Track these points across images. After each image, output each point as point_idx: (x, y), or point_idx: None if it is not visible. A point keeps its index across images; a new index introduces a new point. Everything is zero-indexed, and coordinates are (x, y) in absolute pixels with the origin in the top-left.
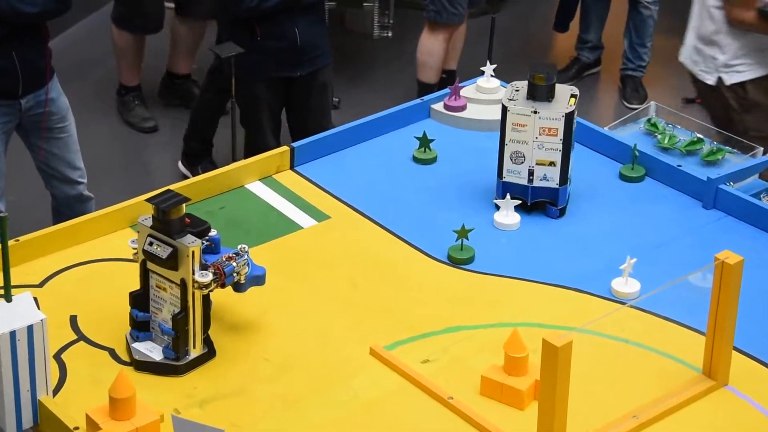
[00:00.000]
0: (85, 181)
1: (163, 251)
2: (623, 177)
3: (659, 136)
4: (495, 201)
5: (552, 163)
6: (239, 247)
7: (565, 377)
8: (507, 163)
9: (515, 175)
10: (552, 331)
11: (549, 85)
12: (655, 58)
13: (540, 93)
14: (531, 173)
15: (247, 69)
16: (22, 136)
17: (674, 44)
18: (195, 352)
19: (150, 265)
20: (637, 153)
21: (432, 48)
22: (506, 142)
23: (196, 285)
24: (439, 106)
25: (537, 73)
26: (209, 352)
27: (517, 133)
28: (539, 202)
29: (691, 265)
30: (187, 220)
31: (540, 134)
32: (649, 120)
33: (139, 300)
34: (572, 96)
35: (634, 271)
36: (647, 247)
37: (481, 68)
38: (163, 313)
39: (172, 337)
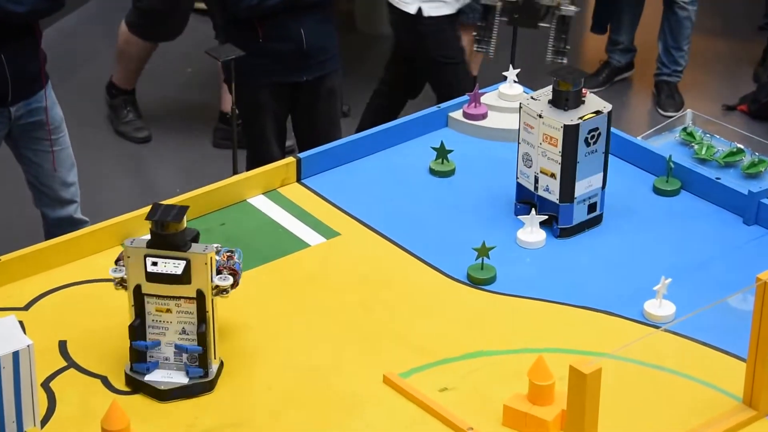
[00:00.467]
0: (78, 200)
1: (175, 268)
2: (657, 190)
3: (696, 147)
4: (519, 217)
5: (552, 175)
6: (214, 246)
7: (594, 407)
8: (519, 163)
9: (525, 178)
10: (580, 357)
11: (570, 92)
12: (692, 62)
13: (559, 99)
14: (536, 180)
15: (249, 73)
16: (12, 146)
17: (713, 46)
18: (215, 363)
19: (147, 289)
20: (672, 165)
21: None
22: (519, 141)
23: (216, 291)
24: (457, 114)
25: (562, 78)
26: (221, 362)
27: (527, 134)
28: (549, 217)
29: (731, 286)
30: None
31: (543, 141)
32: (684, 129)
33: (140, 331)
34: (595, 112)
35: (669, 292)
36: (683, 267)
37: (504, 73)
38: (169, 335)
39: (198, 353)
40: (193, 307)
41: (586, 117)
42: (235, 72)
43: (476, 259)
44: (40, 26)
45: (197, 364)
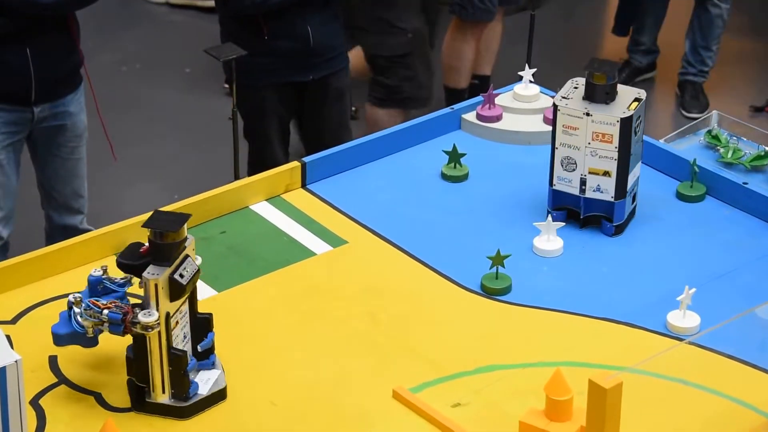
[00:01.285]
0: (85, 212)
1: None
2: (681, 196)
3: (721, 150)
4: (535, 224)
5: (606, 173)
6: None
7: (615, 423)
8: (558, 169)
9: (566, 183)
10: (599, 371)
11: (609, 85)
12: (718, 61)
13: (597, 93)
14: (583, 183)
15: (252, 73)
16: (29, 146)
17: (740, 45)
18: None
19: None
20: (697, 169)
21: (460, 50)
22: (557, 146)
23: None
24: (471, 116)
25: (596, 71)
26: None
27: (568, 137)
28: (593, 218)
29: (758, 296)
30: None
31: (593, 140)
32: (709, 132)
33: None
34: (636, 100)
35: (693, 303)
36: (708, 276)
37: (519, 73)
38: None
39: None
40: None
41: (631, 106)
42: (237, 72)
43: (491, 268)
44: (79, 23)
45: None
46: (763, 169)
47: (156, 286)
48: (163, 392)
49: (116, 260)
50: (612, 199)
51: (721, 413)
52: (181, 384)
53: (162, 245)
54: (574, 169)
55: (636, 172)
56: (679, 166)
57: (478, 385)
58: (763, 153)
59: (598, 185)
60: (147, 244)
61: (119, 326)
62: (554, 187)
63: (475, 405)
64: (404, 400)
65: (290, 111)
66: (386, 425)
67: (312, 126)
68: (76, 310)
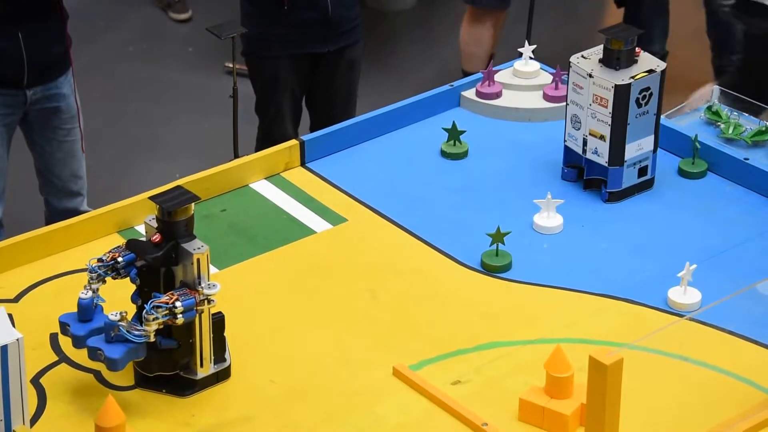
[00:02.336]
0: (85, 193)
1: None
2: (682, 172)
3: (722, 126)
4: (535, 201)
5: (602, 137)
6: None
7: (615, 400)
8: (568, 125)
9: (573, 141)
10: (600, 348)
11: (626, 51)
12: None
13: (609, 58)
14: (585, 143)
15: (268, 45)
16: (24, 131)
17: None
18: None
19: None
20: (698, 145)
21: (478, 36)
22: (568, 102)
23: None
24: (470, 93)
25: (613, 36)
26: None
27: (576, 95)
28: (596, 181)
29: (760, 273)
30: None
31: (593, 101)
32: (710, 107)
33: None
34: (648, 71)
35: (694, 279)
36: (709, 252)
37: (519, 49)
38: None
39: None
40: None
41: (638, 76)
42: (253, 44)
43: (491, 245)
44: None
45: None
46: (764, 144)
47: (206, 258)
48: (210, 362)
49: (144, 262)
50: (606, 164)
51: (721, 389)
52: (222, 347)
53: (188, 220)
54: (579, 128)
55: (644, 145)
56: (680, 143)
57: (478, 362)
58: (764, 128)
59: (596, 148)
60: (154, 234)
61: (193, 310)
62: (566, 144)
63: (475, 382)
64: (404, 377)
65: (303, 85)
66: (386, 403)
67: (322, 97)
68: (125, 324)
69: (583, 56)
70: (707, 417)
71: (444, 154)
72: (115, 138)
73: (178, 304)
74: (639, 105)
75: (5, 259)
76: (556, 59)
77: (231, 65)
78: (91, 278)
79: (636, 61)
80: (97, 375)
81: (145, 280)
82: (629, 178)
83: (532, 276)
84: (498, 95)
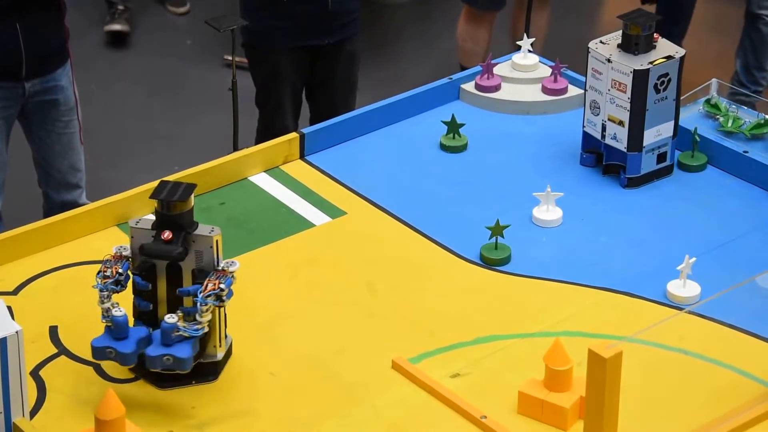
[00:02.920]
0: (83, 186)
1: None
2: (682, 166)
3: (721, 119)
4: (534, 194)
5: (621, 123)
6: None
7: (614, 393)
8: (587, 111)
9: (592, 126)
10: (599, 341)
11: (644, 36)
12: (716, 27)
13: (627, 43)
14: (603, 128)
15: (268, 37)
16: (23, 124)
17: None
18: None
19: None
20: (698, 138)
21: (474, 33)
22: (587, 88)
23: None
24: (469, 86)
25: (631, 21)
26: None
27: (595, 81)
28: (614, 167)
29: (759, 266)
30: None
31: (611, 87)
32: (708, 101)
33: None
34: (667, 57)
35: (694, 272)
36: (708, 246)
37: (518, 42)
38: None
39: None
40: None
41: (656, 62)
42: (253, 36)
43: (490, 238)
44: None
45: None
46: (763, 137)
47: (221, 238)
48: (225, 339)
49: (166, 255)
50: (625, 150)
51: (720, 382)
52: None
53: (192, 209)
54: (598, 114)
55: (662, 131)
56: (679, 136)
57: (477, 355)
58: (762, 121)
59: (615, 133)
60: (164, 232)
61: (231, 290)
62: (585, 129)
63: (474, 375)
64: (403, 370)
65: (303, 78)
66: (385, 396)
67: (322, 89)
68: (183, 324)
69: (601, 42)
70: (706, 410)
71: (443, 147)
72: (114, 130)
73: (222, 286)
74: (657, 91)
75: (4, 252)
76: (555, 52)
77: (230, 58)
78: (103, 297)
79: (654, 47)
80: (97, 368)
81: (172, 279)
82: (648, 163)
83: (531, 269)
84: (497, 88)
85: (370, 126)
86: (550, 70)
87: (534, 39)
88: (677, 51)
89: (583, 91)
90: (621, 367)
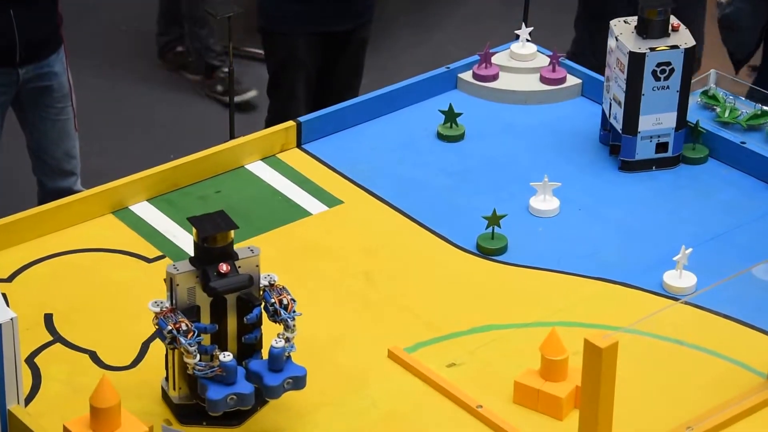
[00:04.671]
0: (78, 173)
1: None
2: (682, 158)
3: (718, 110)
4: (532, 184)
5: (619, 103)
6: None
7: (610, 383)
8: (604, 88)
9: (606, 104)
10: (595, 331)
11: (658, 21)
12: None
13: (643, 27)
14: (610, 106)
15: (285, 22)
16: (17, 111)
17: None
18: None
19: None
20: (702, 130)
21: None
22: (606, 65)
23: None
24: (467, 76)
25: (648, 6)
26: None
27: (610, 57)
28: (618, 148)
29: (755, 256)
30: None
31: (616, 66)
32: (705, 92)
33: None
34: (672, 45)
35: (690, 263)
36: (704, 236)
37: (516, 32)
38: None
39: None
40: None
41: (658, 48)
42: (269, 21)
43: (486, 228)
44: None
45: None
46: (760, 128)
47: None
48: None
49: (240, 286)
50: (620, 131)
51: (716, 373)
52: None
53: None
54: (609, 91)
55: (663, 120)
56: None
57: (473, 345)
58: (759, 112)
59: (615, 113)
60: (221, 265)
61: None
62: (602, 106)
63: (470, 365)
64: (399, 359)
65: (317, 64)
66: (381, 385)
67: (330, 75)
68: (286, 344)
69: (625, 21)
70: (701, 400)
71: (440, 136)
72: (109, 117)
73: (289, 297)
74: (657, 78)
75: None
76: (553, 41)
77: (227, 45)
78: (195, 352)
79: (670, 34)
80: (92, 355)
81: (242, 311)
82: (645, 150)
83: (527, 259)
84: (495, 77)
85: (367, 115)
86: (549, 59)
87: (532, 29)
88: (687, 42)
89: (580, 81)
90: (617, 358)
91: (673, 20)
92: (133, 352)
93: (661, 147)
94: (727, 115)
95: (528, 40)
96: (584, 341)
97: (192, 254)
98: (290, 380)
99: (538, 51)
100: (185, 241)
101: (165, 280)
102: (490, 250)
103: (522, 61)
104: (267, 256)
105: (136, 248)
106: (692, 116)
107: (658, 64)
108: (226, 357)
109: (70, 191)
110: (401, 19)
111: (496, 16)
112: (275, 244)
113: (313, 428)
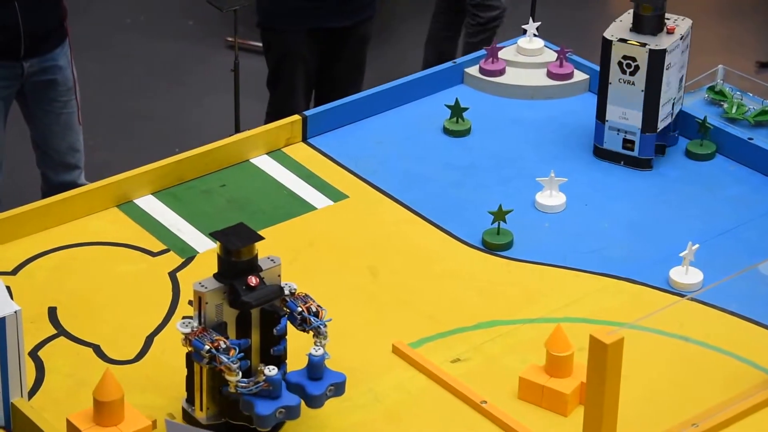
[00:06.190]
0: (82, 166)
1: None
2: (690, 154)
3: (725, 106)
4: (538, 179)
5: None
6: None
7: (615, 379)
8: None
9: None
10: (600, 327)
11: (649, 17)
12: (725, 13)
13: (637, 23)
14: None
15: (286, 17)
16: (21, 104)
17: None
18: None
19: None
20: (710, 126)
21: None
22: None
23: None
24: (473, 70)
25: (644, 2)
26: None
27: None
28: None
29: (762, 253)
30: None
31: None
32: (712, 87)
33: None
34: (642, 43)
35: (696, 259)
36: (711, 233)
37: (523, 26)
38: None
39: None
40: None
41: (629, 42)
42: (270, 16)
43: (492, 223)
44: None
45: None
46: (767, 124)
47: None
48: None
49: (272, 297)
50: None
51: (721, 370)
52: None
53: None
54: None
55: (629, 116)
56: (687, 124)
57: (478, 340)
58: (767, 108)
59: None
60: (249, 278)
61: None
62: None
63: (475, 360)
64: (404, 354)
65: (317, 59)
66: (385, 380)
67: (332, 71)
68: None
69: (620, 20)
70: (707, 397)
71: (446, 131)
72: (113, 111)
73: (316, 304)
74: (623, 71)
75: (3, 232)
76: (560, 37)
77: (233, 39)
78: (238, 369)
79: (662, 31)
80: (96, 349)
81: (268, 323)
82: (612, 141)
83: (533, 254)
84: (501, 72)
85: (373, 109)
86: (556, 54)
87: (539, 23)
88: (658, 44)
89: (588, 77)
90: (622, 354)
91: (670, 23)
92: (137, 346)
93: (628, 143)
94: (734, 111)
95: (535, 35)
96: (590, 337)
97: (192, 253)
98: (332, 387)
99: (545, 46)
100: (190, 234)
101: (191, 300)
102: (495, 246)
103: (529, 56)
104: (271, 251)
105: (140, 242)
106: (699, 112)
107: (624, 57)
108: (271, 371)
109: (74, 184)
110: (406, 15)
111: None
112: (280, 239)
113: (316, 422)
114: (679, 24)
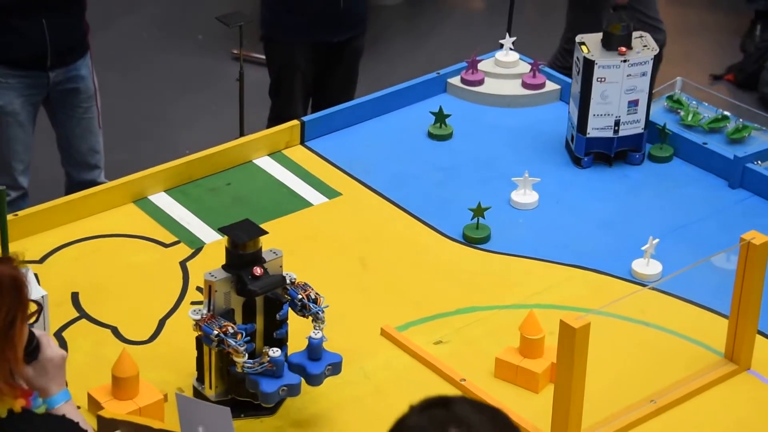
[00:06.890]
0: (102, 167)
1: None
2: (651, 157)
3: (682, 113)
4: (513, 179)
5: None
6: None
7: (582, 360)
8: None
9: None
10: (569, 313)
11: (618, 36)
12: (681, 32)
13: (606, 42)
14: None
15: (287, 32)
16: (47, 109)
17: (701, 17)
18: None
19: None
20: (669, 132)
21: None
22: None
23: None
24: (455, 80)
25: (610, 21)
26: None
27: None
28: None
29: (716, 246)
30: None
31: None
32: (671, 96)
33: None
34: (586, 60)
35: (657, 252)
36: (670, 228)
37: (500, 41)
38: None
39: None
40: None
41: (582, 48)
42: (273, 30)
43: (471, 218)
44: None
45: None
46: (720, 130)
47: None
48: None
49: (276, 284)
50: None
51: (678, 352)
52: None
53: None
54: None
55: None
56: (649, 130)
57: (458, 324)
58: (720, 116)
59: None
60: (254, 269)
61: None
62: None
63: (456, 342)
64: (391, 337)
65: (314, 70)
66: (374, 360)
67: (326, 81)
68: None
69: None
70: (665, 375)
71: (431, 135)
72: (131, 116)
73: (314, 292)
74: (578, 71)
75: (31, 225)
76: (535, 51)
77: (238, 52)
78: (244, 351)
79: (630, 48)
80: (114, 330)
81: (271, 310)
82: (578, 144)
83: (508, 247)
84: (481, 83)
85: (365, 115)
86: (530, 66)
87: (515, 38)
88: (597, 63)
89: (559, 87)
90: (589, 337)
91: (635, 46)
92: (151, 328)
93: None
94: (690, 118)
95: (511, 49)
96: (560, 322)
97: (200, 244)
98: (330, 367)
99: (520, 59)
100: (198, 228)
101: (199, 287)
102: (474, 239)
103: (505, 68)
104: (272, 243)
105: (154, 234)
106: (659, 119)
107: (578, 58)
108: (275, 353)
109: (94, 183)
110: (395, 29)
111: (485, 24)
112: (279, 232)
113: (312, 397)
114: (640, 51)
